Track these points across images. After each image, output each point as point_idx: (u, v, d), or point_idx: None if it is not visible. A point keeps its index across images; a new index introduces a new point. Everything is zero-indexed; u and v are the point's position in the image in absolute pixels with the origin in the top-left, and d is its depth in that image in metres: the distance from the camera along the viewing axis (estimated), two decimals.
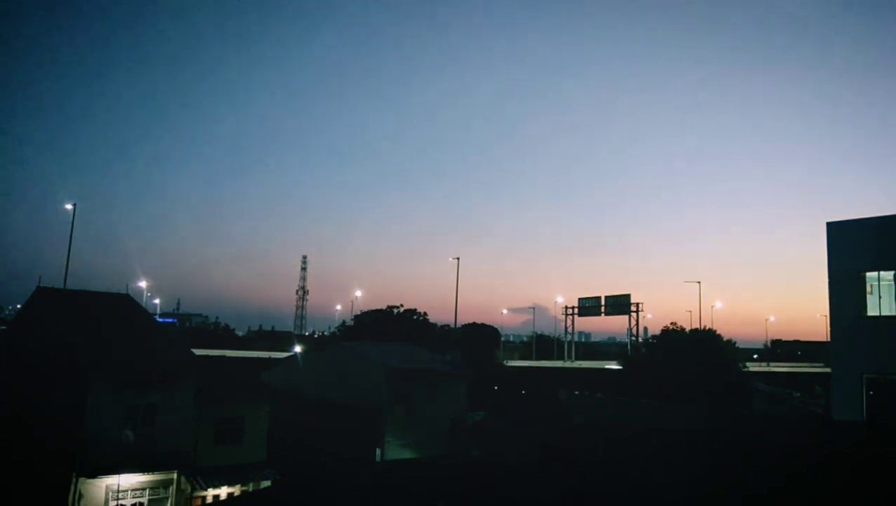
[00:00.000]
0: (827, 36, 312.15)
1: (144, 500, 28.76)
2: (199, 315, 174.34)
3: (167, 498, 29.34)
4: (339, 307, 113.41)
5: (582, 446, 14.57)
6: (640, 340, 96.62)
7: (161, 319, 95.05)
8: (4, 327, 50.74)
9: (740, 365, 61.14)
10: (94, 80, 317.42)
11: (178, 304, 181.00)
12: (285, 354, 66.75)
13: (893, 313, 23.37)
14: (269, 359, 66.85)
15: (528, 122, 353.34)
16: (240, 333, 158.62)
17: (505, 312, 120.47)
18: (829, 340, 27.32)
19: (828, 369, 50.25)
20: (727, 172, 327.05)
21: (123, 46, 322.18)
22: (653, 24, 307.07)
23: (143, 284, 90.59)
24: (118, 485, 27.78)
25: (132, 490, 28.31)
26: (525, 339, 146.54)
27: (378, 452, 36.83)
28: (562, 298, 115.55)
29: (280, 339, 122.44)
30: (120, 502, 27.93)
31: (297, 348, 68.71)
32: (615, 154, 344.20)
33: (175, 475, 29.45)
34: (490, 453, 31.88)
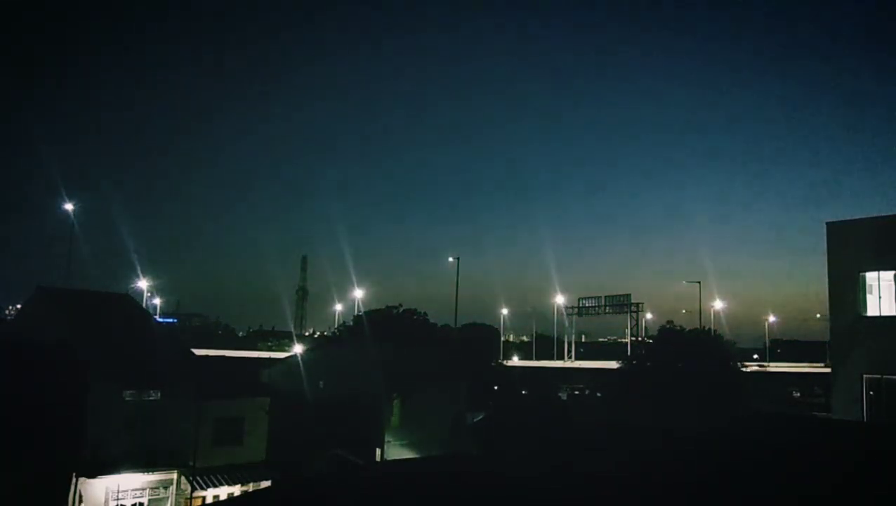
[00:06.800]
0: (829, 33, 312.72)
1: (144, 500, 28.81)
2: (199, 315, 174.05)
3: (167, 498, 29.39)
4: (339, 307, 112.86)
5: (582, 445, 14.61)
6: (640, 339, 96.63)
7: (161, 319, 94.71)
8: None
9: (740, 365, 61.18)
10: (94, 78, 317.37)
11: (178, 304, 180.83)
12: (285, 354, 66.78)
13: (893, 313, 23.39)
14: (269, 359, 66.86)
15: (530, 123, 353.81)
16: (240, 333, 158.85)
17: (505, 312, 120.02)
18: (829, 340, 27.34)
19: (828, 369, 50.27)
20: (728, 171, 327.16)
21: (122, 44, 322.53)
22: (655, 22, 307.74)
23: (143, 284, 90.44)
24: (118, 485, 27.82)
25: (132, 490, 28.35)
26: (525, 339, 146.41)
27: (378, 452, 36.85)
28: (562, 298, 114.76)
29: (280, 339, 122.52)
30: (120, 502, 27.98)
31: (297, 348, 68.68)
32: (616, 154, 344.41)
33: (175, 475, 29.50)
34: (490, 453, 31.89)
